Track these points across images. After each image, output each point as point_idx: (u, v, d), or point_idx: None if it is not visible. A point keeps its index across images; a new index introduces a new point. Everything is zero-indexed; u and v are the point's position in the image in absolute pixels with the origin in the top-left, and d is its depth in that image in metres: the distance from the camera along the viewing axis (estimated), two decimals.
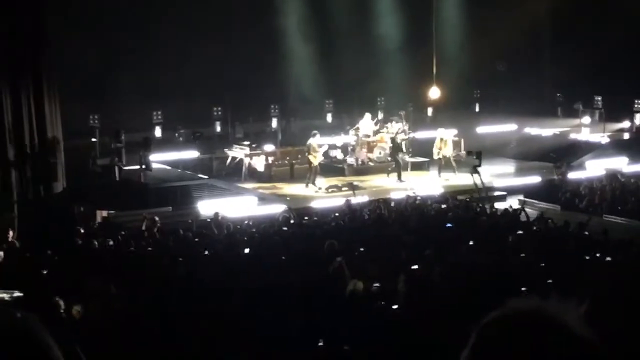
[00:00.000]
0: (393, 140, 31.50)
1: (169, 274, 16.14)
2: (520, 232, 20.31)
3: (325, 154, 31.10)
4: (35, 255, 18.53)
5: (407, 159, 32.16)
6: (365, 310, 12.70)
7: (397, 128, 32.38)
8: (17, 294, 13.76)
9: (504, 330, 2.27)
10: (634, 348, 3.05)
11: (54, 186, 25.97)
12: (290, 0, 37.90)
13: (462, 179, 30.23)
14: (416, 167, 32.61)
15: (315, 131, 30.62)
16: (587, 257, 17.25)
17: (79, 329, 11.52)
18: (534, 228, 21.39)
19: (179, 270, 16.44)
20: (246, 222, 23.08)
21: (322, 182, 29.89)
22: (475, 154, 28.47)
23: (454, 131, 33.77)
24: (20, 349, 2.35)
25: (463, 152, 32.32)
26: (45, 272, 16.73)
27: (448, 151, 31.39)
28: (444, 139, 31.60)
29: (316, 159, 29.73)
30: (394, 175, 30.90)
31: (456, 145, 33.41)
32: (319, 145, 30.12)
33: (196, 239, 20.41)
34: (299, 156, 30.85)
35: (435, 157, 31.40)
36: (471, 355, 2.30)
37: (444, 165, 31.32)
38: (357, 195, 27.19)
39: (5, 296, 13.59)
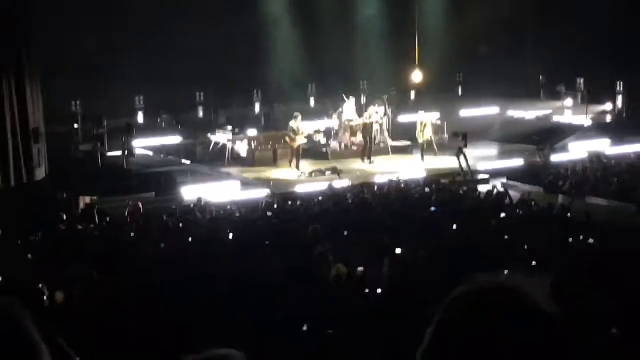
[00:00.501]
0: (364, 123, 31.61)
1: (152, 260, 16.11)
2: (503, 214, 20.37)
3: (309, 138, 31.12)
4: (17, 242, 18.47)
5: (376, 140, 32.30)
6: (349, 295, 12.70)
7: (380, 111, 32.41)
8: None
9: (469, 304, 2.27)
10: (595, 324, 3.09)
11: (36, 172, 25.88)
12: None
13: (446, 161, 30.31)
14: (399, 150, 32.61)
15: (297, 113, 30.65)
16: (570, 239, 17.30)
17: (62, 315, 11.48)
18: (517, 210, 21.43)
19: (162, 255, 16.42)
20: (229, 206, 23.05)
21: (305, 166, 29.88)
22: (461, 136, 28.51)
23: (436, 114, 33.81)
24: (1, 332, 2.34)
25: (445, 136, 32.38)
26: (28, 257, 16.68)
27: (427, 133, 31.45)
28: (424, 122, 31.66)
29: (296, 141, 29.77)
30: (373, 158, 31.12)
31: (438, 128, 33.45)
32: (298, 127, 30.15)
33: (180, 224, 20.37)
34: (282, 141, 30.83)
35: (420, 140, 31.45)
36: (437, 330, 2.30)
37: (426, 148, 31.39)
38: (342, 178, 27.22)
39: None
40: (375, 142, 32.23)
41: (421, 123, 31.65)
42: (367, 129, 31.43)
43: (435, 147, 31.15)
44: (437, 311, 2.34)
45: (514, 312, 2.23)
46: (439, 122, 33.83)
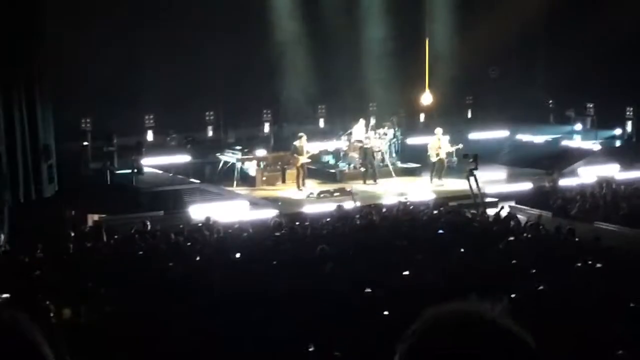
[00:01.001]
0: (362, 147, 31.62)
1: (160, 278, 16.11)
2: (511, 238, 20.34)
3: (315, 158, 31.22)
4: (26, 259, 18.49)
5: (384, 163, 32.32)
6: (357, 316, 12.70)
7: (389, 133, 32.51)
8: (4, 296, 13.74)
9: (431, 336, 2.30)
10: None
11: (46, 189, 25.93)
12: (284, 7, 37.88)
13: (454, 184, 30.38)
14: (408, 172, 32.67)
15: (301, 133, 30.86)
16: (578, 264, 17.27)
17: (69, 332, 11.50)
18: (525, 234, 21.40)
19: (170, 274, 16.42)
20: (236, 225, 23.05)
21: (313, 186, 29.93)
22: (472, 157, 28.51)
23: (446, 137, 33.87)
24: (10, 346, 2.35)
25: (455, 158, 32.39)
26: (36, 274, 16.71)
27: (443, 153, 31.39)
28: (441, 140, 31.71)
29: (299, 160, 29.97)
30: (371, 181, 31.12)
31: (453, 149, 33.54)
32: (302, 146, 30.30)
33: (188, 243, 20.38)
34: (288, 161, 30.98)
35: (434, 159, 31.34)
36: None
37: (436, 170, 31.40)
38: (356, 202, 27.19)
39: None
40: (383, 165, 32.28)
41: (438, 140, 31.67)
42: (367, 152, 31.43)
43: (443, 170, 31.14)
44: (397, 352, 2.39)
45: (474, 335, 2.26)
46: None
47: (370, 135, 31.86)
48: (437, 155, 31.42)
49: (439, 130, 32.08)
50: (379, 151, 32.15)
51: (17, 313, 2.43)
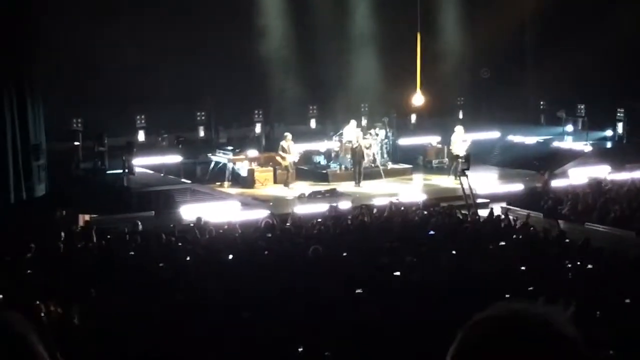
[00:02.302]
0: (352, 147, 31.57)
1: (150, 278, 16.11)
2: (502, 239, 20.38)
3: (308, 159, 31.24)
4: (16, 259, 18.46)
5: (376, 163, 32.29)
6: (348, 316, 12.70)
7: (381, 134, 32.53)
8: None
9: (490, 330, 2.26)
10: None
11: (36, 189, 25.90)
12: (274, 7, 37.90)
13: (446, 184, 30.53)
14: (399, 173, 32.69)
15: (287, 133, 31.07)
16: (569, 265, 17.31)
17: (59, 332, 11.48)
18: (516, 235, 21.44)
19: (161, 274, 16.42)
20: (226, 226, 23.03)
21: (304, 187, 29.94)
22: (464, 158, 28.55)
23: (437, 138, 33.99)
24: (5, 346, 2.36)
25: (446, 159, 32.46)
26: (26, 274, 16.69)
27: (462, 150, 31.47)
28: (457, 139, 31.88)
29: (285, 159, 30.12)
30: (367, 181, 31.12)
31: (439, 152, 33.58)
32: (289, 146, 30.40)
33: (179, 244, 20.36)
34: (278, 161, 31.09)
35: (461, 152, 31.26)
36: (457, 356, 2.30)
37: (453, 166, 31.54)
38: (353, 203, 27.23)
39: None
40: (374, 166, 32.33)
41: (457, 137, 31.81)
42: (355, 152, 31.44)
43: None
44: (456, 337, 2.34)
45: (536, 337, 2.23)
46: (439, 146, 33.98)
47: (358, 136, 31.83)
48: (456, 150, 31.53)
49: (458, 129, 32.23)
50: (369, 150, 32.10)
51: (12, 313, 2.43)
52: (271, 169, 31.18)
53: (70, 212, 24.48)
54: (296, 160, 30.88)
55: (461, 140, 31.94)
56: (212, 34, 34.90)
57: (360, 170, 31.26)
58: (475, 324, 2.31)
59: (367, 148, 31.90)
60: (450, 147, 32.31)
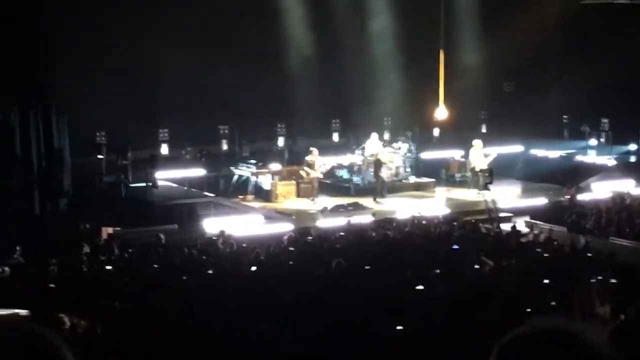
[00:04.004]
0: (377, 160, 31.42)
1: (174, 292, 16.13)
2: (525, 253, 20.31)
3: (331, 173, 31.19)
4: (40, 272, 18.55)
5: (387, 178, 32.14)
6: (371, 331, 12.68)
7: (379, 148, 32.31)
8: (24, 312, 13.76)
9: (527, 348, 2.26)
10: None
11: (60, 202, 26.01)
12: (298, 21, 37.98)
13: (468, 198, 30.48)
14: (422, 187, 32.64)
15: (312, 148, 30.98)
16: (593, 280, 17.22)
17: (83, 345, 11.51)
18: (539, 250, 21.36)
19: (184, 287, 16.45)
20: (250, 239, 23.03)
21: (327, 201, 29.90)
22: (487, 172, 28.49)
23: (460, 152, 33.94)
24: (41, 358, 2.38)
25: (469, 173, 32.43)
26: (50, 287, 16.75)
27: (478, 166, 31.38)
28: (476, 153, 31.82)
29: (309, 174, 30.06)
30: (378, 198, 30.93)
31: (462, 165, 33.52)
32: (315, 161, 30.35)
33: (203, 257, 20.39)
34: (302, 175, 31.08)
35: (482, 166, 31.16)
36: None
37: (472, 180, 31.47)
38: (376, 217, 27.17)
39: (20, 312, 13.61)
40: (397, 179, 32.32)
41: (478, 150, 31.74)
42: (376, 166, 31.28)
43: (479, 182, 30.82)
44: (493, 352, 2.33)
45: (574, 357, 2.22)
46: (462, 159, 33.92)
47: (381, 149, 31.75)
48: (474, 167, 31.46)
49: (477, 142, 32.12)
50: (391, 163, 32.04)
51: (44, 328, 2.46)
52: (294, 182, 31.18)
53: (93, 224, 24.57)
54: (320, 177, 30.74)
55: (481, 154, 31.85)
56: (236, 47, 34.99)
57: (383, 185, 31.06)
58: (513, 340, 2.30)
59: (389, 162, 31.82)
60: (469, 161, 32.24)
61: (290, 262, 19.05)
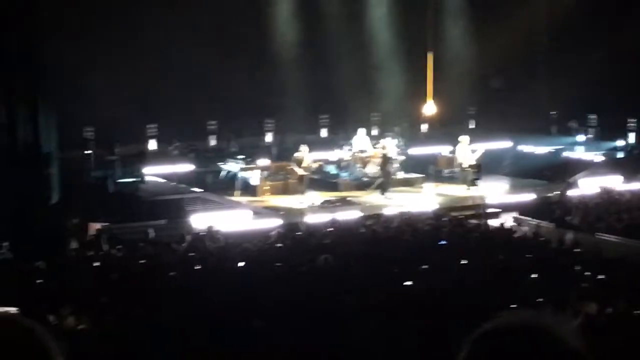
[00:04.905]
0: (385, 155, 31.30)
1: (161, 287, 16.13)
2: (513, 248, 20.35)
3: (315, 170, 31.11)
4: (28, 267, 18.51)
5: (396, 174, 32.12)
6: (358, 326, 12.70)
7: (388, 143, 32.29)
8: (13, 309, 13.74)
9: (497, 342, 2.27)
10: None
11: (48, 198, 25.94)
12: (286, 19, 38.03)
13: (457, 193, 30.53)
14: (410, 183, 32.63)
15: (302, 145, 30.70)
16: (580, 275, 17.27)
17: (71, 340, 11.50)
18: (527, 245, 21.41)
19: (172, 283, 16.44)
20: (238, 235, 23.03)
21: (315, 197, 29.87)
22: (475, 167, 28.53)
23: (449, 147, 33.98)
24: (29, 356, 2.39)
25: (456, 169, 32.49)
26: (38, 283, 16.73)
27: (465, 162, 31.38)
28: (463, 149, 31.79)
29: (294, 172, 29.88)
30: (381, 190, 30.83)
31: (450, 161, 33.54)
32: (303, 158, 30.14)
33: (191, 254, 20.37)
34: (289, 172, 30.98)
35: (469, 162, 31.13)
36: None
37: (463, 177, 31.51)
38: (363, 212, 27.19)
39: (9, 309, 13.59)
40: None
41: (465, 146, 31.71)
42: (386, 161, 31.15)
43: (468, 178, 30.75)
44: (462, 348, 2.34)
45: (543, 350, 2.23)
46: (450, 155, 33.94)
47: (388, 144, 31.68)
48: (461, 163, 31.47)
49: (463, 138, 32.08)
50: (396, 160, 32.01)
51: (35, 324, 2.47)
52: (282, 178, 31.15)
53: (81, 220, 24.53)
54: (306, 174, 30.38)
55: (468, 150, 31.86)
56: (225, 42, 34.96)
57: (389, 180, 30.97)
58: (482, 335, 2.31)
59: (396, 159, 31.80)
60: (456, 157, 32.26)
61: (278, 258, 19.04)
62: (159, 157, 33.48)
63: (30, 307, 13.41)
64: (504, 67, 40.50)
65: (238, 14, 35.68)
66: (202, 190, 30.18)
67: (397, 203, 29.09)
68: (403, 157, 32.64)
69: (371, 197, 30.65)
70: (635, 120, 37.58)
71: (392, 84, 38.53)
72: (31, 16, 25.43)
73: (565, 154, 37.59)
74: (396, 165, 32.00)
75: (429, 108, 34.35)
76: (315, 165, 30.58)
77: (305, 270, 17.21)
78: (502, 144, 38.11)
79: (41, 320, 11.62)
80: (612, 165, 34.29)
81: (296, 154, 30.32)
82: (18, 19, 25.06)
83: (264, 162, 31.87)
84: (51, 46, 26.72)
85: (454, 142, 33.41)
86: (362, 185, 31.90)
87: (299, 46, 37.84)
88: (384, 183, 30.78)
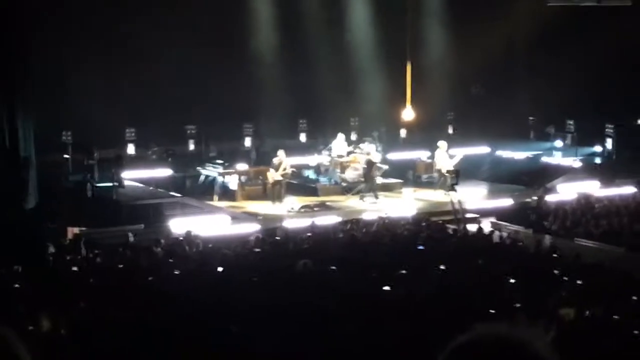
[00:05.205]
0: (369, 160, 31.35)
1: (140, 292, 16.08)
2: (491, 254, 20.40)
3: (298, 173, 31.07)
4: (5, 272, 18.42)
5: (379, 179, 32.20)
6: (338, 330, 12.69)
7: (371, 149, 32.33)
8: None
9: (472, 355, 2.26)
10: None
11: (25, 202, 25.84)
12: (265, 22, 38.00)
13: (435, 199, 30.60)
14: (389, 188, 32.65)
15: (280, 150, 30.63)
16: (558, 280, 17.33)
17: (48, 343, 11.46)
18: (505, 250, 21.47)
19: (151, 287, 16.39)
20: (212, 242, 22.97)
21: (294, 201, 29.85)
22: (453, 173, 28.60)
23: (427, 153, 34.06)
24: None
25: (435, 174, 32.57)
26: (15, 287, 16.65)
27: (444, 168, 31.45)
28: (441, 154, 31.90)
29: (272, 177, 29.78)
30: (368, 196, 30.80)
31: (429, 166, 33.61)
32: (281, 163, 30.04)
33: (170, 259, 20.32)
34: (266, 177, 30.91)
35: (448, 167, 31.18)
36: None
37: (441, 181, 31.56)
38: (342, 217, 27.20)
39: None
40: (364, 180, 32.36)
41: (443, 151, 31.82)
42: (370, 166, 31.22)
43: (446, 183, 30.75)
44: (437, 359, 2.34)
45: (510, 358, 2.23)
46: (429, 160, 33.99)
47: (371, 149, 31.79)
48: (440, 169, 31.56)
49: (442, 144, 32.19)
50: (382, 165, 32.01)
51: (5, 330, 2.45)
52: (261, 182, 31.12)
53: (59, 224, 24.45)
54: (282, 180, 30.16)
55: (446, 155, 31.97)
56: (203, 47, 34.90)
57: (372, 185, 31.06)
58: (456, 349, 2.31)
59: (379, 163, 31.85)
60: (435, 163, 32.36)
61: (256, 263, 19.02)
62: (137, 161, 33.38)
63: (6, 312, 13.36)
64: (482, 72, 40.60)
65: (216, 18, 35.63)
66: (181, 195, 30.10)
67: (375, 208, 29.13)
68: (386, 167, 32.60)
69: (350, 202, 30.69)
70: (612, 125, 37.73)
71: (371, 88, 38.55)
72: (9, 20, 25.36)
73: (543, 159, 37.71)
74: (381, 170, 32.00)
75: (408, 113, 34.38)
76: (290, 171, 30.47)
77: (284, 275, 17.19)
78: (481, 149, 38.19)
79: (18, 325, 11.57)
80: (590, 170, 34.42)
81: (274, 159, 30.32)
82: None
83: (242, 166, 31.82)
84: (30, 50, 26.66)
85: (432, 148, 33.48)
86: (341, 190, 31.90)
87: (278, 50, 37.79)
88: (367, 188, 30.84)
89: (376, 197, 30.70)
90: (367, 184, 31.06)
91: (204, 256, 20.53)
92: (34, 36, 27.33)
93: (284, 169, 29.92)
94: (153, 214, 26.88)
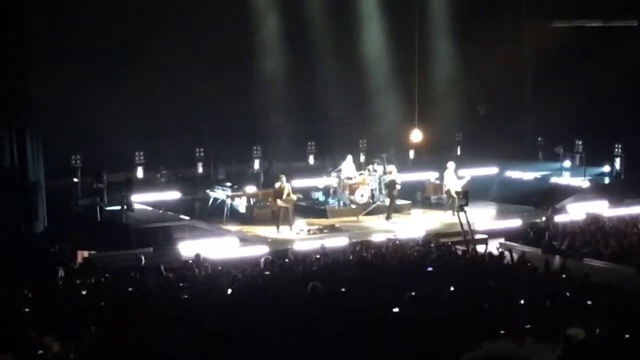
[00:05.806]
0: (392, 181, 31.46)
1: (149, 315, 16.07)
2: (500, 275, 20.35)
3: (307, 195, 31.04)
4: (14, 296, 18.44)
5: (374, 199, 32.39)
6: (347, 353, 12.68)
7: (392, 168, 32.28)
8: None
9: None
10: None
11: (35, 226, 25.89)
12: (274, 44, 38.08)
13: (445, 220, 30.60)
14: (398, 209, 32.63)
15: (281, 175, 30.26)
16: (568, 301, 17.28)
17: None
18: (514, 271, 21.41)
19: (160, 311, 16.38)
20: (221, 265, 22.95)
21: (303, 224, 29.79)
22: (462, 194, 28.60)
23: (435, 174, 34.07)
24: None
25: (444, 196, 32.56)
26: (24, 311, 16.67)
27: (452, 189, 31.51)
28: (450, 175, 31.96)
29: (277, 203, 29.49)
30: (393, 215, 31.10)
31: (438, 187, 33.60)
32: (283, 188, 29.69)
33: (180, 284, 20.30)
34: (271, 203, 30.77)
35: (457, 188, 31.24)
36: None
37: (449, 203, 31.63)
38: (351, 239, 27.21)
39: None
40: (373, 201, 32.38)
41: (452, 172, 31.93)
42: (390, 186, 31.37)
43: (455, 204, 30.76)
44: None
45: None
46: (437, 181, 34.01)
47: (392, 168, 31.91)
48: (449, 190, 31.64)
49: (450, 164, 32.26)
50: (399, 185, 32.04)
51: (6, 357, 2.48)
52: (270, 205, 31.07)
53: (68, 248, 24.47)
54: (287, 206, 29.80)
55: (455, 176, 32.00)
56: (212, 69, 35.00)
57: (394, 204, 31.26)
58: None
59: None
60: (444, 184, 32.39)
61: (266, 286, 19.00)
62: (146, 184, 33.43)
63: (16, 336, 13.37)
64: (490, 93, 40.65)
65: (225, 41, 35.72)
66: (190, 217, 30.12)
67: (384, 229, 29.14)
68: (375, 185, 32.72)
69: (359, 223, 30.70)
70: (620, 145, 37.72)
71: (380, 110, 38.63)
72: (17, 43, 25.47)
73: (552, 179, 37.69)
74: (399, 189, 32.04)
75: (416, 135, 34.41)
76: (295, 197, 30.00)
77: (294, 297, 17.18)
78: (489, 170, 38.19)
79: (28, 349, 11.59)
80: (598, 190, 34.38)
81: (276, 184, 29.90)
82: (3, 45, 25.09)
83: (251, 189, 31.84)
84: (38, 74, 26.77)
85: (441, 169, 33.48)
86: (350, 212, 31.94)
87: (287, 71, 37.82)
88: (392, 208, 31.02)
89: (390, 216, 30.89)
90: (391, 204, 31.21)
91: (213, 279, 20.51)
92: (44, 60, 27.46)
93: (287, 194, 29.62)
94: (162, 237, 26.93)
